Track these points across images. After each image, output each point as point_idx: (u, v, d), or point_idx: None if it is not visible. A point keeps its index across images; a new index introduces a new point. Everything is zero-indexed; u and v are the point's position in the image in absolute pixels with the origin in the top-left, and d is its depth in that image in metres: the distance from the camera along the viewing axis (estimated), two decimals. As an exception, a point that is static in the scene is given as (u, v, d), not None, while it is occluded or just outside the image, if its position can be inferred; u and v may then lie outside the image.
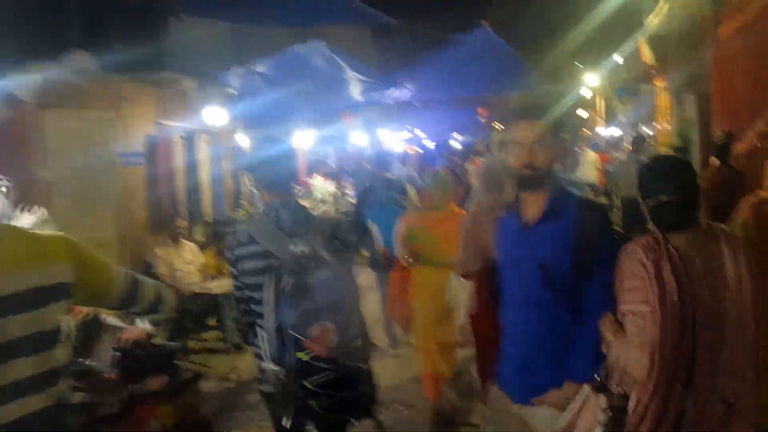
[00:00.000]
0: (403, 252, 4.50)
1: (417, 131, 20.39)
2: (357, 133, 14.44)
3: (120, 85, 7.14)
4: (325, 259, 2.44)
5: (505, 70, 11.70)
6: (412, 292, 4.51)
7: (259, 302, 2.45)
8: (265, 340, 2.44)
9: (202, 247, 7.74)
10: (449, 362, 4.08)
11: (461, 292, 3.68)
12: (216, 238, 7.75)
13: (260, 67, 9.32)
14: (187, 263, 7.19)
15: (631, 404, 2.00)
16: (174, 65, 8.19)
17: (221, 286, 6.79)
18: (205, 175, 8.18)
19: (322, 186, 11.14)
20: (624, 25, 12.94)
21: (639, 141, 9.44)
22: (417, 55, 11.86)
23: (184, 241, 7.33)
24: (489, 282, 2.74)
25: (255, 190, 9.72)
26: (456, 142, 19.55)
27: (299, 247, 2.42)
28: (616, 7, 12.20)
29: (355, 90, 10.88)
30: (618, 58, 15.53)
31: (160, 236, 7.35)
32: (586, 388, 2.15)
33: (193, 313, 6.78)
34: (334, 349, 2.33)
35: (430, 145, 20.15)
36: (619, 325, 2.08)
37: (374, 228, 3.57)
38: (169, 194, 7.70)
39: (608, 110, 19.38)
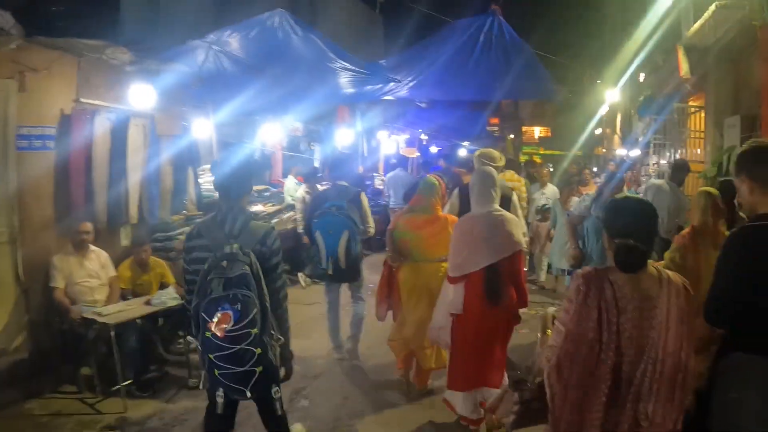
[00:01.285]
0: (390, 248, 5.15)
1: (423, 135, 18.92)
2: (347, 132, 12.91)
3: (26, 50, 5.71)
4: (245, 260, 3.00)
5: (519, 69, 10.15)
6: (400, 286, 5.08)
7: None
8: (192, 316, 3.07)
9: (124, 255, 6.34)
10: (434, 359, 5.06)
11: (442, 292, 4.49)
12: (136, 243, 6.32)
13: (231, 42, 7.86)
14: (91, 276, 5.77)
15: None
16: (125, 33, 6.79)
17: (124, 312, 5.34)
18: (135, 168, 6.71)
19: (293, 188, 9.78)
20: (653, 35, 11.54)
21: (682, 168, 7.27)
22: (418, 47, 10.30)
23: (93, 248, 5.91)
24: (481, 286, 4.06)
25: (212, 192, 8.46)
26: (462, 149, 18.09)
27: (231, 248, 3.02)
28: (655, 17, 10.81)
29: (344, 81, 9.37)
30: (642, 74, 14.15)
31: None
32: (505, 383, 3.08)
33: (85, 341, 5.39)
34: (229, 332, 2.85)
35: (434, 150, 18.86)
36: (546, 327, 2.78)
37: (320, 239, 5.35)
38: (83, 189, 6.25)
39: (624, 129, 17.87)
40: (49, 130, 6.03)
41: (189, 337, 3.26)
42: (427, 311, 4.76)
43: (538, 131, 32.36)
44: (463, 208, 4.96)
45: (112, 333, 5.07)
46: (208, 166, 9.08)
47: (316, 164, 12.47)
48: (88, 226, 5.88)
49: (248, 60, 8.30)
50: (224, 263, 2.96)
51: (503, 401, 2.97)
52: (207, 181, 8.79)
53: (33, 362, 5.70)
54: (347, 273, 5.71)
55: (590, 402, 2.36)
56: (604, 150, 21.63)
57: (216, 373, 2.96)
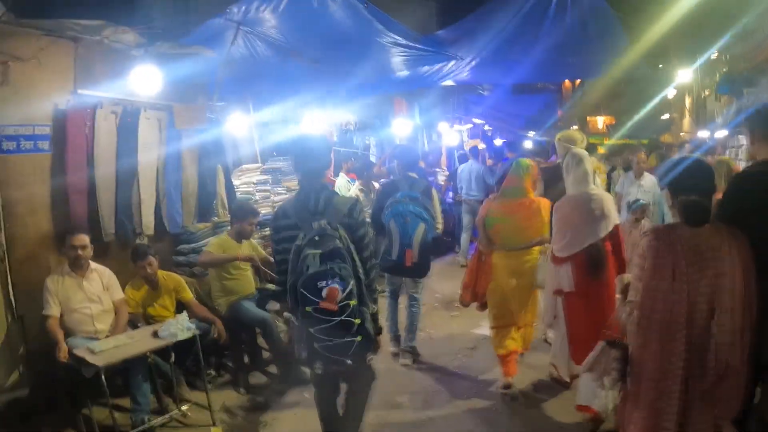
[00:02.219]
0: (482, 236, 5.12)
1: (487, 126, 17.47)
2: (406, 123, 11.65)
3: (8, 35, 4.78)
4: (335, 235, 3.07)
5: (598, 41, 8.61)
6: (491, 274, 5.04)
7: None
8: (289, 293, 3.14)
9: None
10: (525, 339, 5.26)
11: (548, 274, 4.69)
12: (136, 256, 5.26)
13: (261, 19, 6.75)
14: (92, 300, 4.76)
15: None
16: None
17: (122, 348, 4.33)
18: (148, 168, 5.70)
19: (345, 186, 8.66)
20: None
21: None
22: (477, 14, 8.72)
23: (94, 266, 4.90)
24: (586, 263, 4.28)
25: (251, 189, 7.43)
26: (529, 141, 16.52)
27: (319, 224, 3.09)
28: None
29: (397, 60, 8.12)
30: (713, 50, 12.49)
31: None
32: (602, 342, 2.94)
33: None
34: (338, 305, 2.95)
35: (498, 142, 17.39)
36: (626, 288, 2.85)
37: (394, 228, 5.31)
38: (85, 196, 5.28)
39: (699, 111, 16.15)
40: (41, 129, 5.05)
41: (286, 313, 3.43)
42: (525, 296, 5.02)
43: (601, 121, 29.81)
44: (547, 192, 5.19)
45: (103, 375, 4.02)
46: (252, 165, 8.09)
47: (373, 159, 11.23)
48: (83, 238, 4.84)
49: (284, 41, 7.18)
50: (316, 239, 3.03)
51: (600, 360, 3.00)
52: (245, 182, 7.76)
53: (34, 400, 4.80)
54: (417, 267, 5.39)
55: (669, 350, 2.55)
56: (678, 135, 19.87)
57: (316, 346, 3.06)
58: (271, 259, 4.94)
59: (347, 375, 3.49)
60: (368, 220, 3.47)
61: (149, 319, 5.23)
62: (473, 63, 8.90)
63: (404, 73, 8.84)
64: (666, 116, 20.90)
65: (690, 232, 2.58)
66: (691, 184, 2.64)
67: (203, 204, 6.46)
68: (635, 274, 2.70)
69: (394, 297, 6.02)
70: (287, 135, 9.30)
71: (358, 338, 3.05)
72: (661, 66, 16.31)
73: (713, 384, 2.52)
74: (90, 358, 4.16)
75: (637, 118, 17.38)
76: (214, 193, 6.64)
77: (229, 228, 6.21)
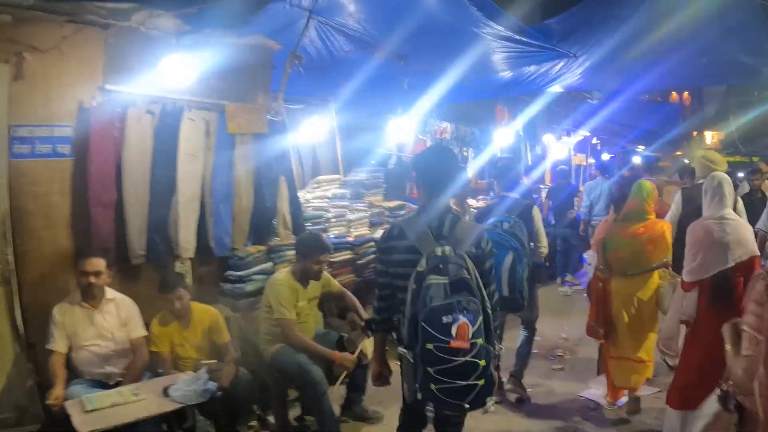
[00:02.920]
0: (600, 260, 4.96)
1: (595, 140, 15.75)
2: (507, 134, 10.37)
3: (25, 23, 4.05)
4: (461, 263, 2.76)
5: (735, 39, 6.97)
6: (612, 302, 4.90)
7: (405, 290, 2.82)
8: (404, 325, 2.84)
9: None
10: (642, 375, 4.94)
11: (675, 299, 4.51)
12: (164, 288, 4.34)
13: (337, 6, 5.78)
14: (104, 337, 3.88)
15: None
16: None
17: (119, 410, 3.41)
18: (191, 179, 4.83)
19: None
20: None
21: None
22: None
23: (112, 295, 4.05)
24: (713, 290, 3.95)
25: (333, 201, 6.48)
26: (638, 156, 14.71)
27: (442, 250, 2.77)
28: None
29: (498, 58, 6.92)
30: None
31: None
32: (714, 399, 2.53)
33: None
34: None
35: (605, 157, 15.70)
36: (737, 336, 2.40)
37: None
38: (112, 210, 4.48)
39: None
40: (61, 131, 4.30)
41: (400, 348, 2.90)
42: (642, 323, 4.86)
43: (710, 136, 26.54)
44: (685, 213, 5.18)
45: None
46: (329, 177, 7.14)
47: (470, 173, 9.96)
48: (96, 263, 3.97)
49: (365, 33, 6.15)
50: (440, 266, 2.74)
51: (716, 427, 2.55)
52: (319, 197, 6.78)
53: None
54: (509, 302, 4.68)
55: None
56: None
57: (432, 387, 2.68)
58: (346, 291, 4.67)
59: (454, 420, 3.14)
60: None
61: (177, 362, 4.31)
62: (587, 64, 7.53)
63: (507, 74, 7.61)
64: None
65: None
66: None
67: (260, 223, 5.49)
68: (751, 324, 2.33)
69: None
70: (372, 143, 8.33)
71: (481, 382, 2.70)
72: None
73: None
74: (76, 420, 3.24)
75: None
76: (273, 210, 5.65)
77: (290, 256, 5.24)
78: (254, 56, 5.40)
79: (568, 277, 9.60)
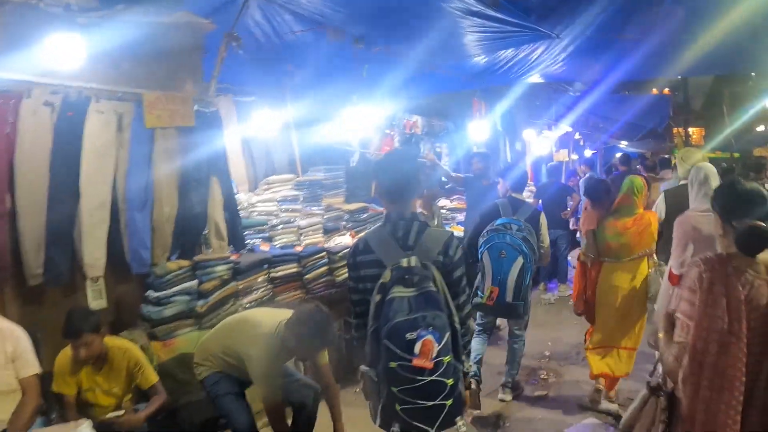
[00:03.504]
0: (591, 246, 4.87)
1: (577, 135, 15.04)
2: (482, 125, 9.57)
3: None
4: (427, 275, 2.54)
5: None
6: (599, 286, 4.85)
7: None
8: (366, 342, 2.63)
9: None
10: (627, 363, 4.83)
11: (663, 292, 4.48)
12: (68, 332, 3.49)
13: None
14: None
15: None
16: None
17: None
18: (99, 182, 4.02)
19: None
20: None
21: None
22: None
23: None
24: None
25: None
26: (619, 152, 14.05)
27: (407, 261, 2.56)
28: None
29: (471, 40, 6.11)
30: None
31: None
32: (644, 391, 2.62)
33: None
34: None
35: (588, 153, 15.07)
36: (671, 324, 2.44)
37: (487, 262, 4.58)
38: (3, 220, 3.69)
39: None
40: None
41: (362, 367, 2.67)
42: (630, 309, 4.78)
43: (691, 132, 25.99)
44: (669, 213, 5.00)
45: None
46: (282, 177, 6.32)
47: (444, 171, 9.10)
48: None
49: (317, 12, 5.32)
50: (405, 278, 2.53)
51: (643, 411, 2.60)
52: (267, 200, 5.96)
53: None
54: (511, 308, 4.66)
55: (725, 402, 2.20)
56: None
57: (397, 408, 2.49)
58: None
59: None
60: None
61: (87, 408, 3.52)
62: (571, 48, 6.78)
63: (481, 59, 6.80)
64: (762, 128, 20.12)
65: (747, 262, 2.29)
66: (748, 209, 2.33)
67: (186, 233, 4.66)
68: (683, 310, 2.37)
69: (486, 333, 5.26)
70: (331, 139, 7.50)
71: (449, 402, 2.49)
72: (753, 74, 14.51)
73: None
74: None
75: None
76: (203, 218, 4.82)
77: (222, 272, 4.46)
78: (180, 38, 4.58)
79: (561, 287, 8.83)
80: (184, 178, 4.59)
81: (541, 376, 5.66)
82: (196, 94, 4.74)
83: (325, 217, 6.14)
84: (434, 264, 2.62)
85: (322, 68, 6.04)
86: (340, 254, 5.32)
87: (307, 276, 5.14)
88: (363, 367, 2.69)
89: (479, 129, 9.38)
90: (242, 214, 5.60)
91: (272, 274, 4.94)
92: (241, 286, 4.75)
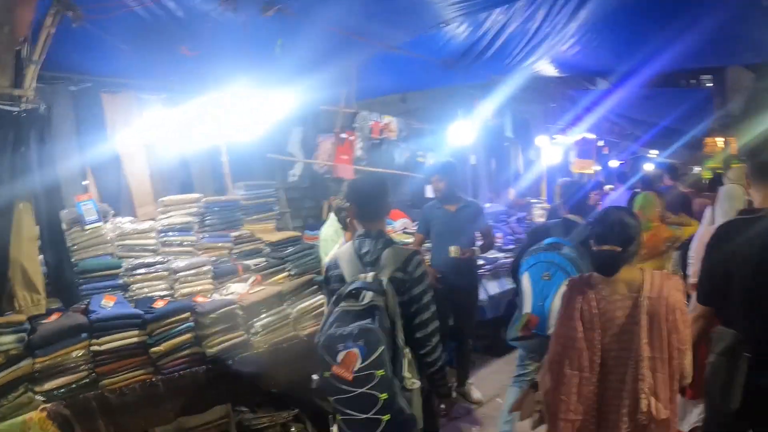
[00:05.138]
0: None
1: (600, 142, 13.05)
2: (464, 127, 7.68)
3: None
4: (378, 290, 2.59)
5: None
6: None
7: None
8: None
9: None
10: None
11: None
12: None
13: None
14: None
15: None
16: None
17: None
18: None
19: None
20: None
21: None
22: None
23: None
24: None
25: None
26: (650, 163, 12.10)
27: (365, 277, 2.65)
28: None
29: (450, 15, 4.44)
30: None
31: None
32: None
33: None
34: (356, 374, 2.46)
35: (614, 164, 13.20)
36: None
37: (527, 285, 3.93)
38: None
39: None
40: None
41: (314, 376, 2.82)
42: None
43: (721, 141, 23.22)
44: None
45: None
46: (180, 198, 4.72)
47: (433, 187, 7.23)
48: None
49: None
50: (353, 292, 2.62)
51: (524, 401, 3.05)
52: (143, 231, 4.25)
53: None
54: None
55: (584, 400, 2.61)
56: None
57: (338, 418, 2.65)
58: None
59: None
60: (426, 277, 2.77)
61: None
62: (584, 15, 5.06)
63: (459, 29, 5.02)
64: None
65: (604, 280, 2.66)
66: (602, 234, 2.66)
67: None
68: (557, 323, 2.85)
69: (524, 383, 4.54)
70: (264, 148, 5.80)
71: (385, 417, 2.50)
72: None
73: None
74: None
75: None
76: (4, 261, 3.12)
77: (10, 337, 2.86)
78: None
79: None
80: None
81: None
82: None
83: (234, 251, 4.41)
84: (392, 281, 2.66)
85: (228, 48, 4.31)
86: (214, 315, 3.55)
87: (157, 348, 3.37)
88: (314, 377, 2.80)
89: (463, 132, 7.47)
90: (104, 250, 3.93)
91: (95, 347, 3.19)
92: (39, 366, 3.04)
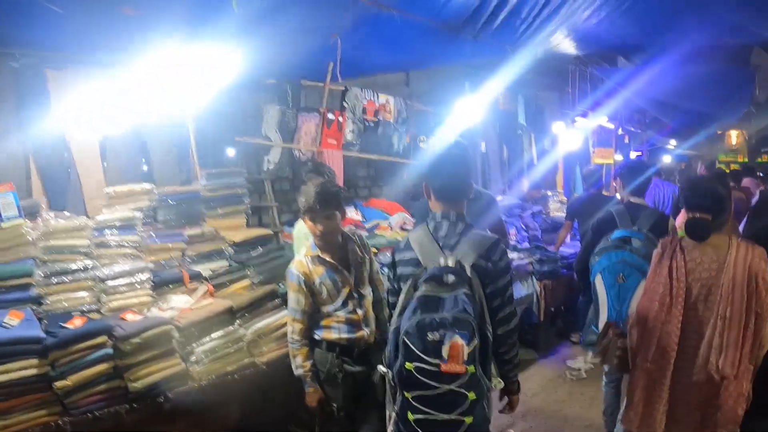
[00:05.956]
0: None
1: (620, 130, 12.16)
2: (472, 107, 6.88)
3: None
4: (466, 278, 2.40)
5: None
6: None
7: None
8: (389, 341, 2.46)
9: None
10: None
11: None
12: None
13: None
14: None
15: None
16: None
17: None
18: None
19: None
20: None
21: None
22: None
23: None
24: None
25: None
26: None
27: (445, 260, 2.45)
28: None
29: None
30: None
31: None
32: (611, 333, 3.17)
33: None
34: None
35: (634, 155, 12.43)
36: None
37: (601, 289, 3.80)
38: None
39: None
40: None
41: (380, 367, 2.56)
42: None
43: (735, 135, 22.24)
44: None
45: None
46: (129, 188, 3.97)
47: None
48: None
49: None
50: (437, 276, 2.38)
51: (609, 348, 3.13)
52: (73, 228, 3.48)
53: None
54: None
55: (663, 351, 2.78)
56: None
57: (410, 417, 2.31)
58: None
59: None
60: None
61: None
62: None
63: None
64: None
65: (693, 243, 2.82)
66: (697, 202, 2.80)
67: None
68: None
69: (616, 386, 4.26)
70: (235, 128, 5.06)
71: (468, 419, 2.27)
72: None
73: (707, 391, 2.70)
74: None
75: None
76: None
77: None
78: None
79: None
80: None
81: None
82: None
83: (188, 253, 3.63)
84: (474, 268, 2.45)
85: (174, 3, 3.51)
86: (136, 339, 2.75)
87: (63, 382, 2.59)
88: (381, 368, 2.56)
89: (471, 110, 6.68)
90: (25, 252, 3.17)
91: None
92: None
